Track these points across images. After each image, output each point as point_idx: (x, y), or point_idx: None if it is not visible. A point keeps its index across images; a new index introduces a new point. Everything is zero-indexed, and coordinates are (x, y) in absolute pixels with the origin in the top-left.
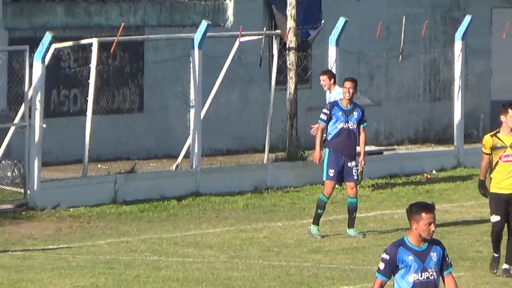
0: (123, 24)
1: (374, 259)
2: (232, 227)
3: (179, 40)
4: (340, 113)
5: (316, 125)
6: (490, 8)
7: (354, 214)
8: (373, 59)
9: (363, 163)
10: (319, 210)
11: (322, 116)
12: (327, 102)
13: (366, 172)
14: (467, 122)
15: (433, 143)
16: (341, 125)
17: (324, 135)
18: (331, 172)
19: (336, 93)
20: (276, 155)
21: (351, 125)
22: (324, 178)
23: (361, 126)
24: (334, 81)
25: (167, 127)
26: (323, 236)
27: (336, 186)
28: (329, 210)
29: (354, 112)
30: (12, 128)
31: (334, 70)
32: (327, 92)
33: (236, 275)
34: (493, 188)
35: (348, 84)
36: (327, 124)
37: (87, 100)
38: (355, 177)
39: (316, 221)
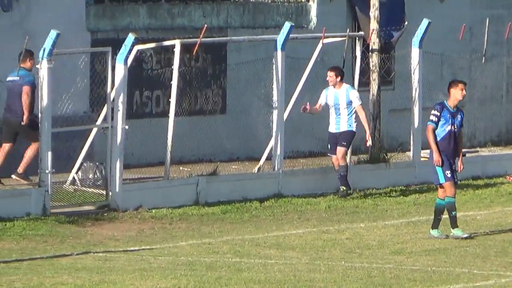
0: (205, 25)
1: (457, 261)
2: (315, 228)
3: (262, 41)
4: (448, 115)
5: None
6: None
7: (454, 213)
8: (456, 61)
9: (462, 167)
10: (439, 216)
11: (433, 118)
12: (324, 98)
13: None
14: None
15: None
16: (449, 127)
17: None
18: (448, 173)
19: (345, 91)
20: (358, 157)
21: (456, 127)
22: (443, 181)
23: (460, 129)
24: (342, 79)
25: (250, 129)
26: (447, 236)
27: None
28: (412, 211)
29: (458, 115)
30: (95, 130)
31: (417, 72)
32: (331, 88)
33: (318, 276)
34: None
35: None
36: (437, 126)
37: (170, 102)
38: (456, 178)
39: (435, 226)
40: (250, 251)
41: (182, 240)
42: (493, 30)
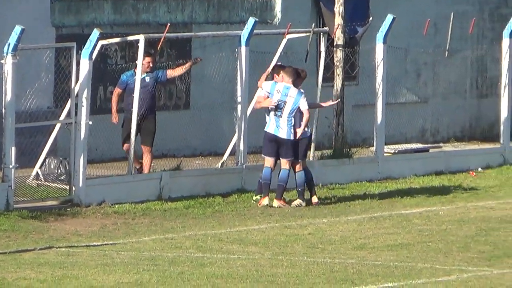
0: (168, 24)
1: (419, 256)
2: (277, 223)
3: (227, 37)
4: None
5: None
6: None
7: None
8: (420, 56)
9: None
10: None
11: None
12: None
13: (412, 168)
14: None
15: (479, 141)
16: None
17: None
18: None
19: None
20: (322, 152)
21: None
22: None
23: None
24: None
25: (213, 124)
26: None
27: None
28: (374, 206)
29: None
30: (58, 125)
31: (381, 67)
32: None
33: (281, 271)
34: None
35: None
36: None
37: (133, 97)
38: None
39: None
40: (213, 246)
41: (145, 235)
42: (457, 26)
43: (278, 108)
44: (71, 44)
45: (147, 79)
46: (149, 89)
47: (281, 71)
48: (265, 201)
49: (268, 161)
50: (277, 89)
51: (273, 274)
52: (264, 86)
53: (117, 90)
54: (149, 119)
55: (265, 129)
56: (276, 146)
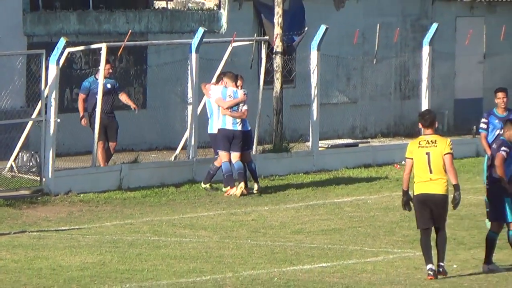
0: (130, 31)
1: (350, 240)
2: (224, 211)
3: (179, 45)
4: (496, 121)
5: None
6: (455, 17)
7: None
8: (350, 62)
9: None
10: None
11: (482, 125)
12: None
13: (344, 161)
14: None
15: (403, 137)
16: (497, 132)
17: None
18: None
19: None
20: (263, 147)
21: None
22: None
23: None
24: (220, 82)
25: (167, 122)
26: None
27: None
28: (310, 196)
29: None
30: (30, 123)
31: (315, 72)
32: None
33: (227, 253)
34: None
35: (501, 94)
36: (488, 132)
37: (97, 100)
38: None
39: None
40: (167, 230)
41: (107, 221)
42: (383, 35)
43: (237, 109)
44: (41, 51)
45: (108, 85)
46: (111, 93)
47: (224, 77)
48: (233, 190)
49: (227, 156)
50: (229, 94)
51: (221, 255)
52: (215, 92)
53: (82, 96)
54: (113, 119)
55: (220, 127)
56: (230, 141)
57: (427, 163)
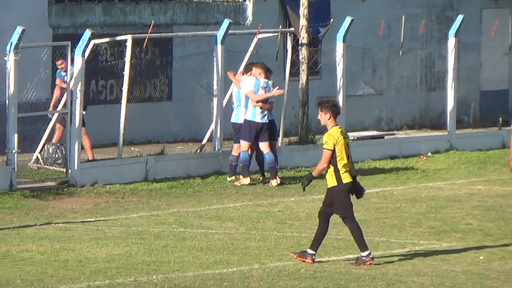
0: (153, 22)
1: (376, 231)
2: (250, 202)
3: (204, 36)
4: None
5: None
6: (480, 8)
7: None
8: (376, 54)
9: None
10: None
11: None
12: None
13: (370, 153)
14: (459, 110)
15: (429, 129)
16: None
17: None
18: None
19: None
20: (289, 139)
21: None
22: None
23: None
24: (248, 72)
25: (193, 113)
26: None
27: None
28: None
29: None
30: (55, 115)
31: (341, 64)
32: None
33: (254, 244)
34: None
35: None
36: None
37: (122, 90)
38: None
39: None
40: (193, 222)
41: (133, 213)
42: (408, 27)
43: (266, 101)
44: (66, 43)
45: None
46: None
47: (255, 68)
48: (246, 180)
49: (248, 146)
50: (262, 86)
51: (247, 247)
52: (246, 83)
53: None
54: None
55: (249, 119)
56: (257, 133)
57: (349, 153)
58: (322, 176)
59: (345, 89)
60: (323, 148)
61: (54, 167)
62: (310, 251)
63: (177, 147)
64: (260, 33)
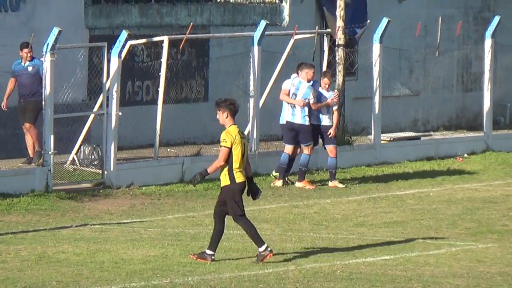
0: (192, 23)
1: (413, 232)
2: (286, 203)
3: (241, 37)
4: None
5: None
6: None
7: None
8: (412, 55)
9: None
10: None
11: None
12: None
13: (406, 154)
14: (495, 111)
15: (465, 129)
16: None
17: None
18: None
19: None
20: None
21: None
22: None
23: None
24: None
25: None
26: None
27: None
28: (372, 188)
29: None
30: (92, 116)
31: (377, 65)
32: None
33: (290, 246)
34: None
35: None
36: None
37: (158, 91)
38: None
39: None
40: (229, 223)
41: (169, 214)
42: (445, 28)
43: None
44: (103, 44)
45: (30, 68)
46: (31, 75)
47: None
48: (278, 183)
49: (288, 149)
50: (292, 83)
51: (283, 249)
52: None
53: (12, 80)
54: (31, 101)
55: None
56: (293, 134)
57: (244, 153)
58: (366, 179)
59: (381, 90)
60: (221, 146)
61: (90, 169)
62: (208, 251)
63: (213, 148)
64: (296, 34)
